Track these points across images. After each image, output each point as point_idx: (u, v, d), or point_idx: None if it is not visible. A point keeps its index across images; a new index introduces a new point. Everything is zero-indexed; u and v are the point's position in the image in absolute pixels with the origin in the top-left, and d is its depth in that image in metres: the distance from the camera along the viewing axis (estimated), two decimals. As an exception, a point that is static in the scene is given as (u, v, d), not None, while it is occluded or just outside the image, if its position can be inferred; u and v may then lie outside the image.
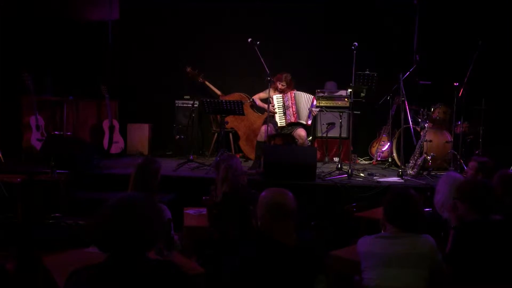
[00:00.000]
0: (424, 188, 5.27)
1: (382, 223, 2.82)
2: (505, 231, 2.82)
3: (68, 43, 7.98)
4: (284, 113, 6.71)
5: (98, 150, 7.15)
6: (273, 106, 6.69)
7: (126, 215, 1.88)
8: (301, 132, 6.61)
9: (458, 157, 6.41)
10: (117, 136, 7.69)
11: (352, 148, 6.95)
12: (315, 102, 6.90)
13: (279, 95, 6.72)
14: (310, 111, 6.76)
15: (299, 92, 6.77)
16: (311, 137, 7.48)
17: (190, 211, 4.38)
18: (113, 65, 8.12)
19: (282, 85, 6.71)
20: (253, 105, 7.45)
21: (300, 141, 6.57)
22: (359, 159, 7.74)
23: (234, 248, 2.50)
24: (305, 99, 6.74)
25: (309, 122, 6.85)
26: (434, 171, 6.42)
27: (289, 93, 6.71)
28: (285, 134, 6.73)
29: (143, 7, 8.31)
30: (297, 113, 6.70)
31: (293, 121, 6.69)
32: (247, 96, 7.60)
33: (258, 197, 2.54)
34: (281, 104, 6.71)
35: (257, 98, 7.02)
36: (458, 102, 6.44)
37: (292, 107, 6.69)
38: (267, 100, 6.51)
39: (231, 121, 7.63)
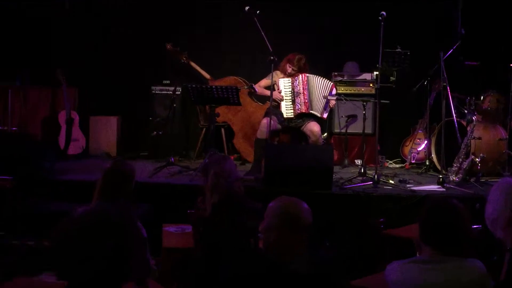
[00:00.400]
0: (472, 198, 5.28)
1: (417, 243, 2.82)
2: None
3: (12, 15, 7.96)
4: (293, 101, 6.70)
5: (52, 150, 7.15)
6: (279, 91, 6.67)
7: (101, 234, 1.86)
8: (314, 126, 6.61)
9: (515, 159, 6.43)
10: (76, 132, 7.69)
11: (379, 148, 6.96)
12: (334, 91, 6.87)
13: (288, 79, 6.70)
14: (327, 101, 6.73)
15: (314, 75, 6.74)
16: (326, 133, 7.49)
17: (170, 228, 4.43)
18: (72, 42, 8.11)
19: (293, 69, 6.70)
20: (252, 93, 7.43)
21: (312, 138, 6.57)
22: (387, 162, 7.76)
23: (226, 273, 2.50)
24: (321, 85, 6.70)
25: (325, 115, 6.83)
26: (484, 176, 6.42)
27: (300, 75, 6.68)
28: (293, 129, 6.73)
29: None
30: (310, 102, 6.69)
31: (303, 111, 6.68)
32: (244, 81, 7.59)
33: (257, 210, 2.55)
34: (290, 89, 6.70)
35: (258, 86, 6.98)
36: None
37: (303, 93, 6.68)
38: (271, 87, 6.49)
39: (224, 113, 7.63)
